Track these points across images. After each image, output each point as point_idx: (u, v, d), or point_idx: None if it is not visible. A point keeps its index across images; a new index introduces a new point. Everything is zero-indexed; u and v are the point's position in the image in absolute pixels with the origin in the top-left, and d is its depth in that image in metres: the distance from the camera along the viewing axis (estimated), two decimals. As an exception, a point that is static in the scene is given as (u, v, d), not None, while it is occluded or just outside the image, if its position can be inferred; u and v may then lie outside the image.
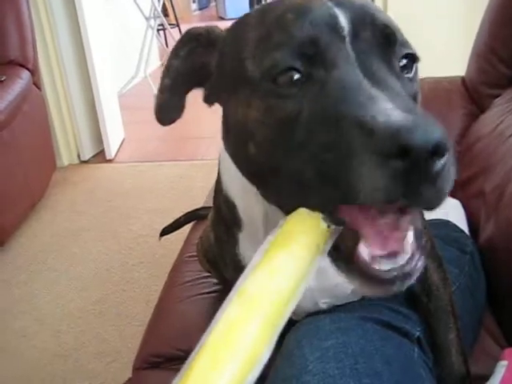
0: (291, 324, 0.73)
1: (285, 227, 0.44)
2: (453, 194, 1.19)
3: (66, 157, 3.04)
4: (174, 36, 5.25)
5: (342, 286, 0.68)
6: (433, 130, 0.37)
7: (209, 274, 1.17)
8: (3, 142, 2.18)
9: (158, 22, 4.66)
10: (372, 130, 0.39)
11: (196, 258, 1.18)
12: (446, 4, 2.20)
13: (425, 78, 1.48)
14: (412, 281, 0.43)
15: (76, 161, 3.09)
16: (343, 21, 0.47)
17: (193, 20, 8.32)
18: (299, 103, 0.46)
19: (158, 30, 4.99)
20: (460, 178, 1.24)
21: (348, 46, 0.46)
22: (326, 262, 0.62)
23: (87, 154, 3.11)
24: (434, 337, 0.75)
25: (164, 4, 5.15)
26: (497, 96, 1.28)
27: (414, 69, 0.51)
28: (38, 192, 2.56)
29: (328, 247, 0.44)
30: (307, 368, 0.59)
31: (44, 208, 2.56)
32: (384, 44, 0.48)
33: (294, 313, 0.72)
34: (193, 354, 0.38)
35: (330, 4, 0.49)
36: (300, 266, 0.41)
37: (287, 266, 0.41)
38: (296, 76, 0.46)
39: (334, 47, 0.46)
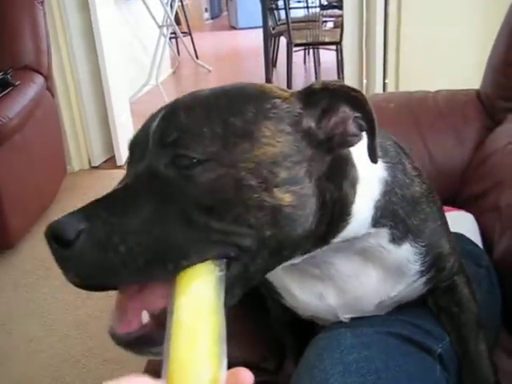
0: (313, 332, 0.72)
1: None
2: (466, 208, 1.18)
3: (76, 162, 3.05)
4: (186, 44, 5.29)
5: (362, 299, 0.67)
6: (57, 228, 0.45)
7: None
8: (15, 145, 2.19)
9: (171, 30, 4.69)
10: None
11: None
12: (461, 17, 2.20)
13: (440, 91, 1.47)
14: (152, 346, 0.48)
15: (86, 166, 3.10)
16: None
17: (205, 29, 8.38)
18: None
19: (170, 38, 5.02)
20: (474, 191, 1.23)
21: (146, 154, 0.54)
22: (342, 279, 0.62)
23: (98, 159, 3.12)
24: (466, 348, 0.75)
25: (177, 12, 5.19)
26: (512, 109, 1.27)
27: (196, 168, 0.49)
28: (48, 196, 2.57)
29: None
30: (328, 381, 0.58)
31: (54, 212, 2.56)
32: (160, 149, 0.52)
33: (317, 318, 0.72)
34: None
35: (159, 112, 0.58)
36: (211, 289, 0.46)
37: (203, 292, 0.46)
38: None
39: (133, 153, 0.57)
